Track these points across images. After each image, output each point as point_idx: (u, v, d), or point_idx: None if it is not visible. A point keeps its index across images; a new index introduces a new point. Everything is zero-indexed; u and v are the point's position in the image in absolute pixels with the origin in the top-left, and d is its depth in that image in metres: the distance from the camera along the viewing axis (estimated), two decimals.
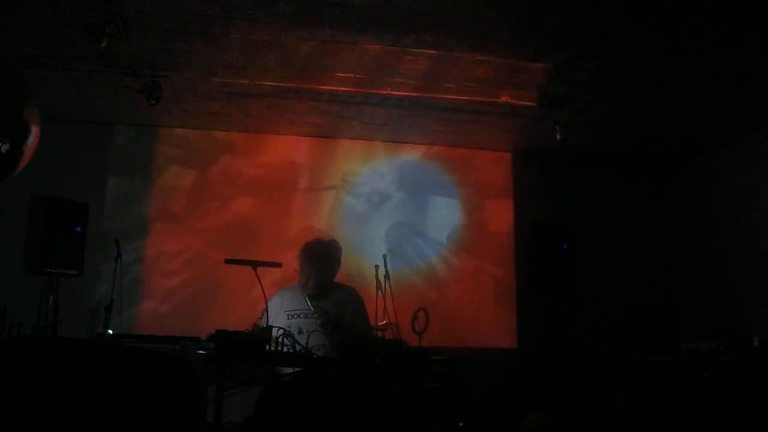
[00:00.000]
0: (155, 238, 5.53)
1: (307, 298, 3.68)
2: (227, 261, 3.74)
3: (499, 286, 6.01)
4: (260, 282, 3.40)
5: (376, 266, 4.70)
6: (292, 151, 5.88)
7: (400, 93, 4.83)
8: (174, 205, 5.63)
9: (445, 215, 6.07)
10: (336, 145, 5.95)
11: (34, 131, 2.83)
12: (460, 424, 3.68)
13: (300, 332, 3.51)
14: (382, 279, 4.55)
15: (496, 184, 6.20)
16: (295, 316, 3.66)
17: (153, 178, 5.64)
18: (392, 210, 5.98)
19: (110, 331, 4.32)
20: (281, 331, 3.27)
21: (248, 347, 3.04)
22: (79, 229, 5.02)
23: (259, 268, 3.49)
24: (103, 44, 3.56)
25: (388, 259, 4.58)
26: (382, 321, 4.57)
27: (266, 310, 3.45)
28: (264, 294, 3.46)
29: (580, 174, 6.32)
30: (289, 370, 3.33)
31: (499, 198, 6.18)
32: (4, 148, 2.55)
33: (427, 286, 5.85)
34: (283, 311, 3.69)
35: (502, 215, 6.15)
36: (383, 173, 6.01)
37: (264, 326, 3.27)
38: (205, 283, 5.48)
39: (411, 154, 6.09)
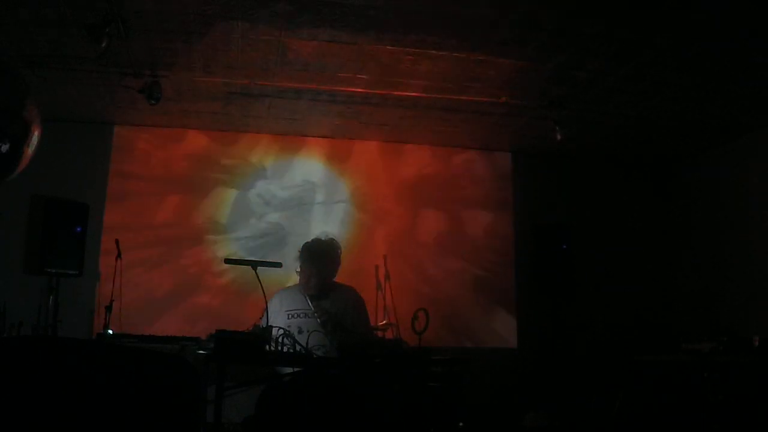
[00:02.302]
0: None
1: (307, 298, 3.67)
2: (227, 261, 3.74)
3: (499, 286, 6.01)
4: (260, 282, 3.39)
5: (376, 266, 4.71)
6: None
7: (400, 93, 4.83)
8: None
9: (444, 217, 6.07)
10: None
11: (34, 131, 2.84)
12: (460, 424, 3.68)
13: (300, 332, 3.50)
14: (382, 279, 4.56)
15: (496, 184, 6.20)
16: (296, 315, 3.65)
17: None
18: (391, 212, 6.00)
19: (110, 331, 4.32)
20: (281, 331, 3.27)
21: (248, 347, 3.03)
22: (79, 229, 5.03)
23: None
24: (103, 44, 3.56)
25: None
26: (382, 321, 4.59)
27: (266, 309, 3.44)
28: (264, 294, 3.46)
29: (580, 174, 6.32)
30: (289, 370, 3.33)
31: (499, 198, 6.18)
32: (4, 148, 2.55)
33: (426, 285, 5.86)
34: (283, 311, 3.68)
35: (502, 216, 6.15)
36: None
37: (264, 326, 3.26)
38: None
39: (410, 155, 6.10)
